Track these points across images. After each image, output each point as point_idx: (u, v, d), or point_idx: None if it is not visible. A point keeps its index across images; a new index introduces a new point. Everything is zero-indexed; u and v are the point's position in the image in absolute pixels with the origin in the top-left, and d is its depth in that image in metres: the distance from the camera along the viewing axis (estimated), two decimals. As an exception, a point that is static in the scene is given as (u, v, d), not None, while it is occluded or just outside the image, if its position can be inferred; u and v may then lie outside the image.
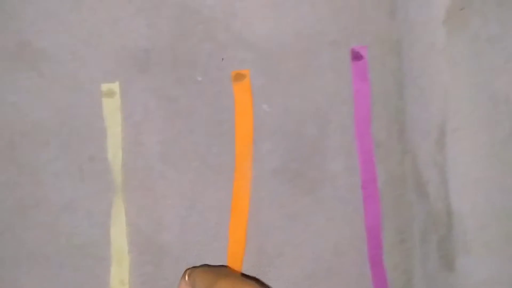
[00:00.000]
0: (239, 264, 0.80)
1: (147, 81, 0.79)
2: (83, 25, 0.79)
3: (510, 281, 0.68)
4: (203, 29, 0.81)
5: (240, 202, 0.81)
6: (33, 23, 0.78)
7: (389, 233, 0.83)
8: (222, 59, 0.81)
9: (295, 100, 0.81)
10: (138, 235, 0.79)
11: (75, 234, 0.79)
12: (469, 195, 0.69)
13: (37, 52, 0.78)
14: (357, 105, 0.83)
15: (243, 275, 0.80)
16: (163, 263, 0.79)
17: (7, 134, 0.78)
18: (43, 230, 0.78)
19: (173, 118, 0.80)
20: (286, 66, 0.82)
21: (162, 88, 0.80)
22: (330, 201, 0.82)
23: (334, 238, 0.82)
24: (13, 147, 0.78)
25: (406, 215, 0.83)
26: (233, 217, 0.81)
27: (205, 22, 0.81)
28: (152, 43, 0.80)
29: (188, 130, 0.80)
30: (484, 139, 0.69)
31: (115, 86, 0.79)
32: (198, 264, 0.78)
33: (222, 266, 0.79)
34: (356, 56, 0.83)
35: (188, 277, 0.66)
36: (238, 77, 0.81)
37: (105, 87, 0.79)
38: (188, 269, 0.68)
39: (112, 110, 0.79)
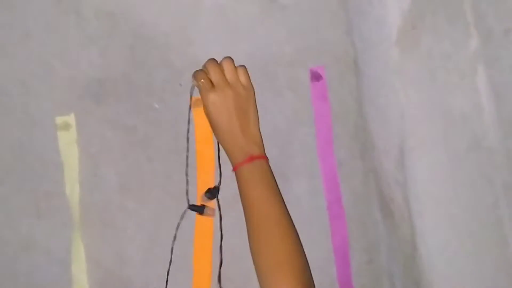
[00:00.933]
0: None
1: (102, 112, 0.78)
2: (32, 57, 0.77)
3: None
4: (158, 56, 0.79)
5: (204, 229, 0.79)
6: (-19, 58, 0.76)
7: (356, 253, 0.82)
8: (180, 84, 0.80)
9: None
10: (99, 271, 0.77)
11: (34, 273, 0.76)
12: (430, 213, 0.69)
13: (-13, 87, 0.76)
14: (318, 126, 0.82)
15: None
16: (126, 298, 0.77)
17: (-41, 173, 0.75)
18: (0, 270, 0.75)
19: (130, 147, 0.78)
20: (244, 90, 0.81)
21: (118, 118, 0.78)
22: (295, 223, 0.81)
23: (301, 262, 0.81)
24: (-35, 186, 0.75)
25: (373, 235, 0.83)
26: (196, 246, 0.79)
27: (160, 49, 0.79)
28: (105, 73, 0.78)
29: (146, 159, 0.78)
30: (442, 157, 0.69)
31: (70, 119, 0.77)
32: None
33: None
34: (315, 77, 0.82)
35: None
36: (198, 102, 0.80)
37: (59, 120, 0.77)
38: None
39: (68, 143, 0.77)
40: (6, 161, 0.76)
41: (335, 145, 0.82)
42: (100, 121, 0.78)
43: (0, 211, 0.76)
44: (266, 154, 0.76)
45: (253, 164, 0.72)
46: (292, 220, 0.73)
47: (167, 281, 0.76)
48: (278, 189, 0.74)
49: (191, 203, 0.78)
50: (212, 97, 0.72)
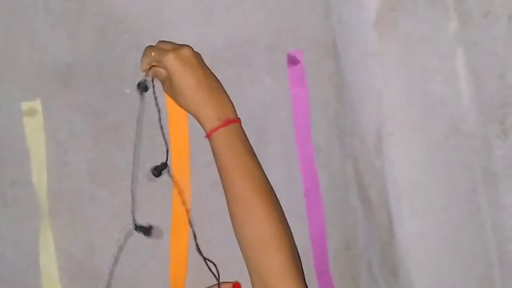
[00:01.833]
0: (181, 285, 0.77)
1: (71, 97, 0.75)
2: (-3, 41, 0.73)
3: (450, 285, 0.67)
4: (129, 39, 0.76)
5: (179, 219, 0.77)
6: None
7: (334, 240, 0.81)
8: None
9: (230, 109, 0.78)
10: (69, 262, 0.74)
11: (1, 264, 0.73)
12: (408, 200, 0.68)
13: None
14: (295, 111, 0.80)
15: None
16: (97, 289, 0.75)
17: None
18: (-36, 262, 0.72)
19: (101, 134, 0.75)
20: (219, 75, 0.78)
21: (87, 104, 0.75)
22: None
23: (278, 250, 0.79)
24: None
25: (351, 222, 0.82)
26: (173, 235, 0.77)
27: (131, 31, 0.76)
28: (74, 56, 0.75)
29: (118, 146, 0.76)
30: (420, 142, 0.67)
31: (37, 104, 0.74)
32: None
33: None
34: (292, 61, 0.80)
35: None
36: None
37: (25, 105, 0.74)
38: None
39: (34, 130, 0.73)
40: (-31, 149, 0.72)
41: (313, 131, 0.80)
42: (68, 106, 0.75)
43: (-37, 201, 0.72)
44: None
45: (230, 127, 0.68)
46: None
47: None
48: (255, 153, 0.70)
49: (137, 223, 0.73)
50: (172, 56, 0.66)
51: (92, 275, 0.75)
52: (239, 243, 0.67)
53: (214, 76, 0.72)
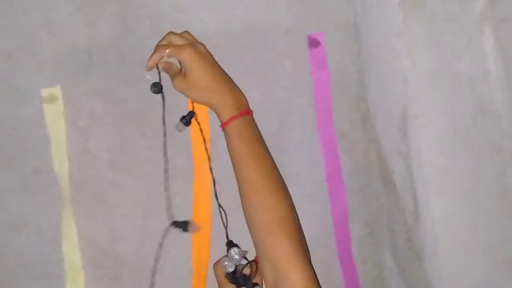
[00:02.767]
0: (204, 274, 0.76)
1: (91, 84, 0.74)
2: (17, 28, 0.73)
3: (477, 270, 0.66)
4: (149, 25, 0.75)
5: (201, 206, 0.77)
6: (-40, 28, 0.71)
7: (357, 226, 0.80)
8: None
9: (251, 95, 0.76)
10: (92, 249, 0.74)
11: (24, 253, 0.73)
12: (435, 183, 0.67)
13: (-32, 59, 0.72)
14: (317, 96, 0.79)
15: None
16: (120, 276, 0.74)
17: None
18: (-11, 251, 0.73)
19: (122, 121, 0.75)
20: (240, 60, 0.77)
21: (108, 90, 0.74)
22: (295, 198, 0.78)
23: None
24: None
25: (374, 207, 0.80)
26: (195, 220, 0.76)
27: (151, 17, 0.75)
28: (94, 43, 0.74)
29: (139, 133, 0.75)
30: (447, 124, 0.66)
31: (56, 91, 0.73)
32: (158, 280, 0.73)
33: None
34: (313, 43, 0.79)
35: None
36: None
37: (45, 92, 0.73)
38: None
39: (54, 117, 0.73)
40: (-10, 137, 0.72)
41: (335, 116, 0.79)
42: (88, 93, 0.74)
43: (-14, 189, 0.72)
44: (264, 126, 0.73)
45: (247, 117, 0.70)
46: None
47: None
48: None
49: (174, 219, 0.74)
50: (190, 50, 0.68)
51: (115, 263, 0.74)
52: (249, 227, 0.68)
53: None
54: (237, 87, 0.72)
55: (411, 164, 0.69)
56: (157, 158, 0.74)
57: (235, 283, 0.70)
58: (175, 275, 0.76)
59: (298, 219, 0.69)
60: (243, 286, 0.70)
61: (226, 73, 0.72)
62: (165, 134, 0.74)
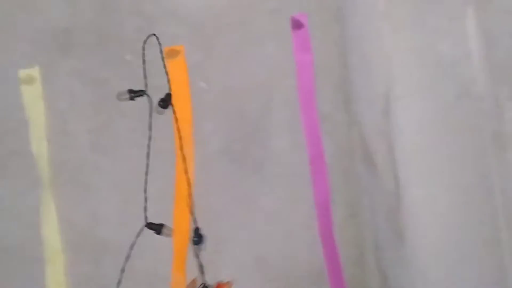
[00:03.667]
0: (184, 254, 0.76)
1: (70, 64, 0.72)
2: (-9, 5, 0.70)
3: (457, 249, 0.67)
4: (129, 3, 0.74)
5: (183, 188, 0.76)
6: None
7: (339, 207, 0.80)
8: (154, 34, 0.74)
9: (234, 76, 0.76)
10: (72, 232, 0.73)
11: (3, 236, 0.72)
12: (416, 164, 0.67)
13: None
14: (300, 77, 0.79)
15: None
16: (101, 260, 0.74)
17: None
18: (-34, 235, 0.71)
19: (102, 102, 0.73)
20: (223, 40, 0.76)
21: (87, 71, 0.73)
22: (277, 179, 0.78)
23: (284, 217, 0.79)
24: None
25: (356, 188, 0.81)
26: (177, 205, 0.76)
27: (130, -5, 0.74)
28: (72, 22, 0.72)
29: (119, 115, 0.74)
30: (430, 105, 0.66)
31: (35, 71, 0.71)
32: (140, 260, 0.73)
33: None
34: (297, 25, 0.78)
35: None
36: (172, 53, 0.75)
37: (23, 73, 0.71)
38: None
39: (33, 98, 0.71)
40: (-35, 118, 0.70)
41: (318, 98, 0.79)
42: (68, 74, 0.72)
43: (-38, 172, 0.70)
44: (247, 108, 0.72)
45: None
46: None
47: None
48: None
49: (148, 220, 0.74)
50: None
51: (96, 246, 0.74)
52: None
53: None
54: None
55: (393, 145, 0.70)
56: (139, 140, 0.73)
57: None
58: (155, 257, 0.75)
59: None
60: None
61: None
62: (150, 138, 0.74)
